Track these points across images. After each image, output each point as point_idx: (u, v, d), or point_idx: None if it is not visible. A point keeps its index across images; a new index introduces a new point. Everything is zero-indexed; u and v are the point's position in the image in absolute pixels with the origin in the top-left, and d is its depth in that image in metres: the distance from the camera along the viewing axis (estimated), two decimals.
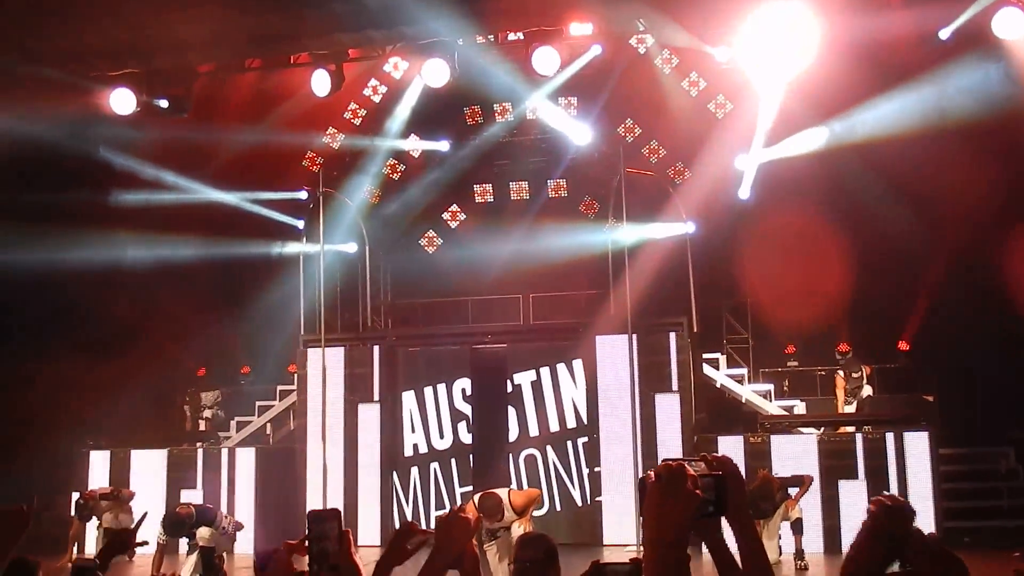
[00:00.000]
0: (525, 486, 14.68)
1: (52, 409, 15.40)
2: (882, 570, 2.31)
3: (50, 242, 16.20)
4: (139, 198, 16.82)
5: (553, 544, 5.05)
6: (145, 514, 4.17)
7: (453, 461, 15.57)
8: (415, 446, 15.71)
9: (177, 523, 12.24)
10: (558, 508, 15.11)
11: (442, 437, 15.65)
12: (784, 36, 11.72)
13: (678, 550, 1.93)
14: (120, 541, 3.20)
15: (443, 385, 15.72)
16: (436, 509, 15.31)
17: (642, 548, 1.98)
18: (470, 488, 15.15)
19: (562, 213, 18.79)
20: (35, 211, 16.86)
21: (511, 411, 15.41)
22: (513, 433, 15.34)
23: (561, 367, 15.31)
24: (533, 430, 15.32)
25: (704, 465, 2.14)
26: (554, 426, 15.22)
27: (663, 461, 2.01)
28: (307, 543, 2.25)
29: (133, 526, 3.50)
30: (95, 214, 16.86)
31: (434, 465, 15.60)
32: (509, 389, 15.42)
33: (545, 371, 15.34)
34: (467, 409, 15.61)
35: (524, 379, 15.41)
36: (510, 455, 15.28)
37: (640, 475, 2.13)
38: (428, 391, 15.72)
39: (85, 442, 16.19)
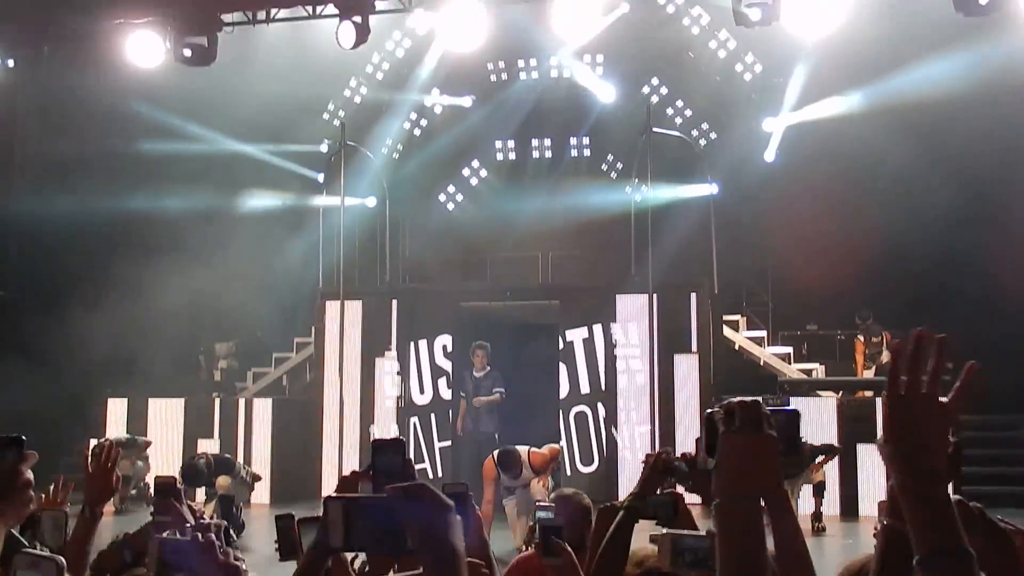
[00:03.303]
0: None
1: (72, 356, 15.58)
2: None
3: (78, 192, 16.34)
4: (165, 148, 16.90)
5: (586, 502, 5.24)
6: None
7: (441, 414, 15.70)
8: (423, 396, 15.85)
9: (196, 471, 12.41)
10: (606, 464, 15.13)
11: (428, 391, 15.79)
12: None
13: (754, 501, 1.81)
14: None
15: (450, 340, 15.73)
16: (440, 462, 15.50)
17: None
18: (448, 443, 15.41)
19: (585, 172, 18.81)
20: (62, 161, 17.30)
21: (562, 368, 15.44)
22: (564, 390, 15.40)
23: (597, 328, 15.33)
24: (584, 388, 15.34)
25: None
26: (604, 384, 15.24)
27: (730, 400, 1.89)
28: (371, 473, 2.25)
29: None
30: (122, 164, 17.02)
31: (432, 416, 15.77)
32: (560, 346, 15.45)
33: (597, 328, 15.33)
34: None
35: (576, 336, 15.43)
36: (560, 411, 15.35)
37: (707, 413, 1.89)
38: (439, 345, 15.80)
39: (103, 389, 16.39)
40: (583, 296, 15.70)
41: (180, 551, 2.31)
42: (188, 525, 2.62)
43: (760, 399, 1.87)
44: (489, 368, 14.60)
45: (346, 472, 2.85)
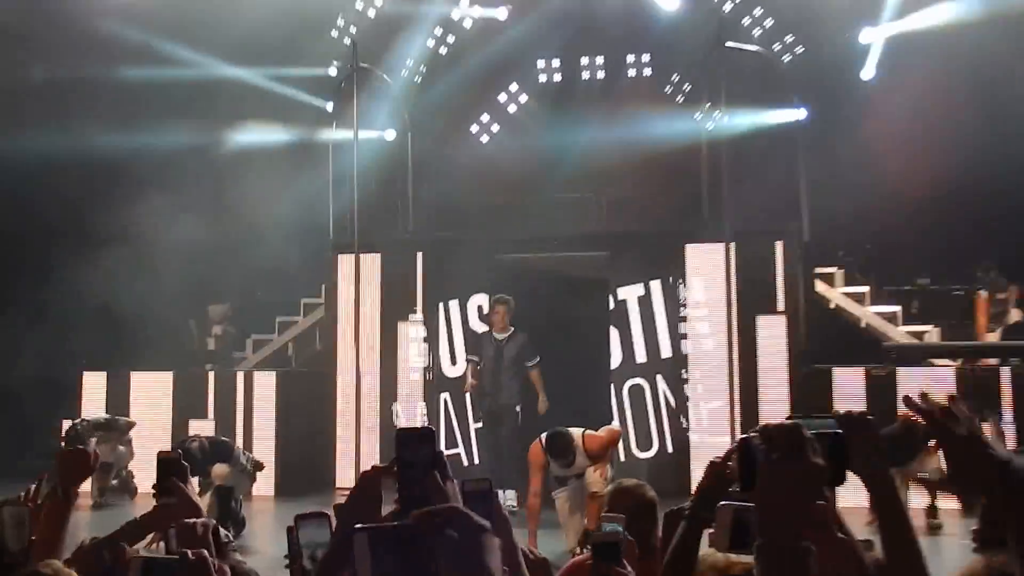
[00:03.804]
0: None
1: (41, 321, 15.82)
2: None
3: (48, 128, 16.31)
4: (149, 75, 16.91)
5: (650, 496, 5.24)
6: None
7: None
8: (455, 368, 15.65)
9: (188, 458, 11.97)
10: (669, 449, 14.88)
11: (461, 361, 15.48)
12: None
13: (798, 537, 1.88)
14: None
15: (487, 299, 15.36)
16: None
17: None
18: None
19: (645, 96, 18.51)
20: (29, 92, 17.45)
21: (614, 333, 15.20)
22: (616, 360, 15.15)
23: (666, 281, 15.06)
24: (640, 357, 15.08)
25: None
26: (664, 352, 14.99)
27: (766, 423, 1.97)
28: (396, 468, 2.21)
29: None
30: (100, 95, 17.04)
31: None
32: (611, 306, 15.17)
33: (655, 284, 15.11)
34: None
35: (631, 294, 15.20)
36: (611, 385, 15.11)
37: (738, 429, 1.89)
38: (473, 305, 15.64)
39: (78, 361, 16.36)
40: (645, 245, 15.46)
41: (166, 572, 2.44)
42: (197, 521, 2.75)
43: (799, 422, 1.96)
44: (513, 329, 14.24)
45: (364, 464, 2.51)
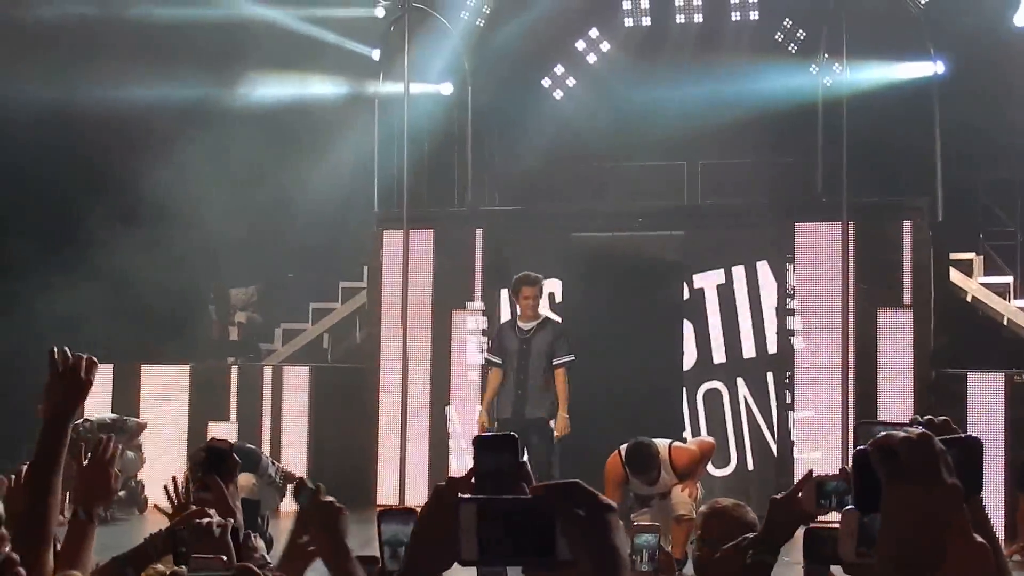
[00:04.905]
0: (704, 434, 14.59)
1: (37, 304, 15.86)
2: None
3: (38, 77, 16.46)
4: (159, 14, 17.06)
5: (751, 519, 5.25)
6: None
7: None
8: None
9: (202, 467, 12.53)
10: (750, 466, 15.14)
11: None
12: None
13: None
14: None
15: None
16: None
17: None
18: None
19: (751, 45, 18.43)
20: (12, 35, 17.22)
21: (687, 328, 15.39)
22: (690, 360, 15.36)
23: (762, 266, 15.21)
24: (719, 356, 15.32)
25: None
26: (748, 351, 15.19)
27: (887, 434, 1.90)
28: (474, 479, 2.32)
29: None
30: (99, 38, 17.10)
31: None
32: (686, 296, 15.40)
33: (738, 271, 15.27)
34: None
35: (708, 281, 15.39)
36: (683, 390, 15.32)
37: (854, 438, 1.97)
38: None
39: (79, 349, 16.42)
40: (746, 223, 15.61)
41: None
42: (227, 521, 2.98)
43: (928, 431, 1.89)
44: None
45: (411, 477, 2.79)
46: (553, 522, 1.91)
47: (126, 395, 16.12)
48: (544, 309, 14.56)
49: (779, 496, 3.86)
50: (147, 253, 16.08)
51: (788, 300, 15.03)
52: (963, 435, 2.10)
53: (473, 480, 2.31)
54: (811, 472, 3.74)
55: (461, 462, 15.11)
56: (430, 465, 15.31)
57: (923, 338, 14.63)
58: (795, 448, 14.77)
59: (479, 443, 2.38)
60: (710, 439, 12.68)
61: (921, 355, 14.57)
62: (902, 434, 1.89)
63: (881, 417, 14.04)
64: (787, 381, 14.94)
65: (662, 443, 11.23)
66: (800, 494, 3.75)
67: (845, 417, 14.19)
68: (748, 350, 15.22)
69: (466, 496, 2.06)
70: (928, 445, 1.85)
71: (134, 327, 16.67)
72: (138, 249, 15.98)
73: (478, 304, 15.93)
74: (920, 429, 1.91)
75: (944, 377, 14.28)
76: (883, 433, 1.92)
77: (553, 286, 15.56)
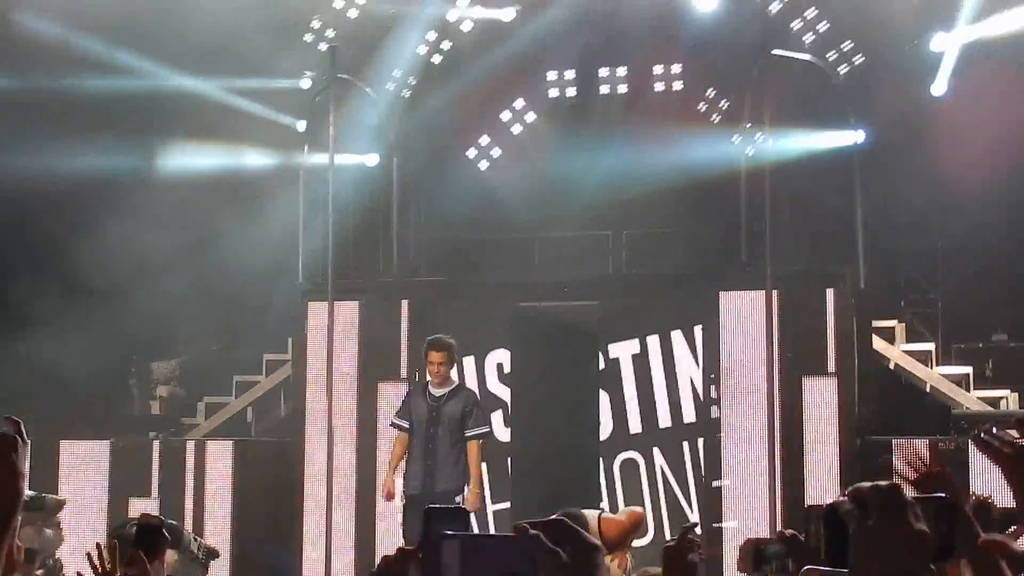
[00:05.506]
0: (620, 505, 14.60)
1: None
2: None
3: None
4: (87, 86, 16.98)
5: None
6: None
7: (497, 465, 15.50)
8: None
9: (128, 544, 12.39)
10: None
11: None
12: None
13: None
14: None
15: (500, 355, 15.73)
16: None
17: None
18: (505, 505, 15.21)
19: (676, 114, 18.43)
20: None
21: (603, 397, 15.43)
22: (606, 430, 15.40)
23: (676, 335, 15.31)
24: (635, 426, 15.37)
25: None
26: (664, 420, 15.24)
27: (857, 485, 1.97)
28: (420, 552, 2.33)
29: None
30: (24, 108, 16.97)
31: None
32: (602, 366, 15.42)
33: (652, 341, 15.35)
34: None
35: (623, 351, 15.42)
36: (600, 460, 15.34)
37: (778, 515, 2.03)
38: (470, 363, 15.73)
39: None
40: (682, 289, 15.81)
41: None
42: None
43: (896, 483, 1.96)
44: (458, 384, 13.99)
45: (337, 555, 2.75)
46: (536, 560, 1.96)
47: (44, 471, 15.69)
48: (492, 382, 15.10)
49: (670, 543, 3.86)
50: (67, 327, 15.92)
51: (707, 368, 15.09)
52: (938, 495, 2.13)
53: (420, 555, 2.30)
54: (830, 505, 3.68)
55: (388, 533, 14.97)
56: (356, 542, 15.16)
57: (848, 405, 14.61)
58: (723, 514, 14.71)
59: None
60: (639, 509, 12.61)
61: (846, 422, 14.55)
62: (868, 484, 1.96)
63: (808, 485, 14.28)
64: (705, 450, 15.01)
65: (591, 514, 11.15)
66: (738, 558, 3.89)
67: (772, 484, 14.16)
68: (664, 419, 15.29)
69: (450, 532, 2.10)
70: (897, 492, 1.92)
71: (52, 402, 16.54)
72: (57, 323, 15.87)
73: (403, 375, 15.78)
74: (887, 483, 1.98)
75: (869, 444, 14.25)
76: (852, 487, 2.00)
77: (501, 356, 15.73)
